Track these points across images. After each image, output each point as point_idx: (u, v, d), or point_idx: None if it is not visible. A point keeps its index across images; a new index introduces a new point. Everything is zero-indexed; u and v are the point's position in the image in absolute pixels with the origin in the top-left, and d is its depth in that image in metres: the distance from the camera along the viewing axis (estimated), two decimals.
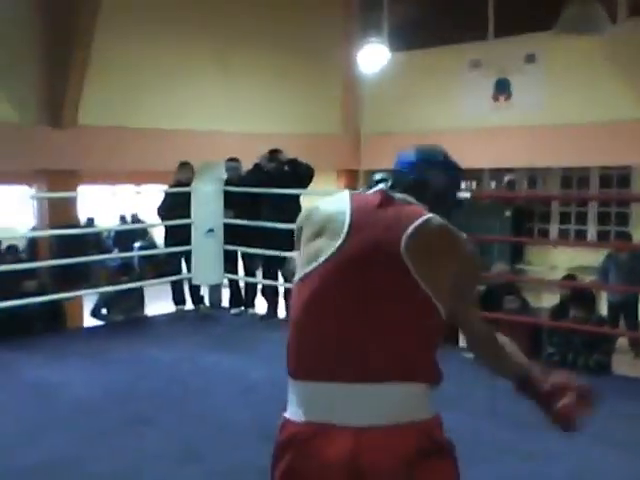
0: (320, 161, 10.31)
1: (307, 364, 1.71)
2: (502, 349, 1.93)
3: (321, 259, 1.75)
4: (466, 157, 10.97)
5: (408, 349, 1.64)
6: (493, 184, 12.70)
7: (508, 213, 10.94)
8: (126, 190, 12.73)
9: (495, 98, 10.07)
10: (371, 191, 1.89)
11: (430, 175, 1.94)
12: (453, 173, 2.00)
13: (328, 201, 1.86)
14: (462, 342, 6.19)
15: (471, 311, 1.89)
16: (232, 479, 3.52)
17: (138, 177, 10.73)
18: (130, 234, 12.70)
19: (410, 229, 1.70)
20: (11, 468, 3.56)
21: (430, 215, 1.77)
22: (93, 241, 11.03)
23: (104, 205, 14.01)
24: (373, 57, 9.71)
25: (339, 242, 1.73)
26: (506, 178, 12.70)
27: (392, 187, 1.89)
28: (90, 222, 13.06)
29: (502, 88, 10.02)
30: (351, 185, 11.35)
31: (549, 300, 8.34)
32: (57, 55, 7.77)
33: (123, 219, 13.91)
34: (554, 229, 10.93)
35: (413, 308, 1.66)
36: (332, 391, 1.63)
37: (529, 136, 9.57)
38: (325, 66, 10.67)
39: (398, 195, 1.86)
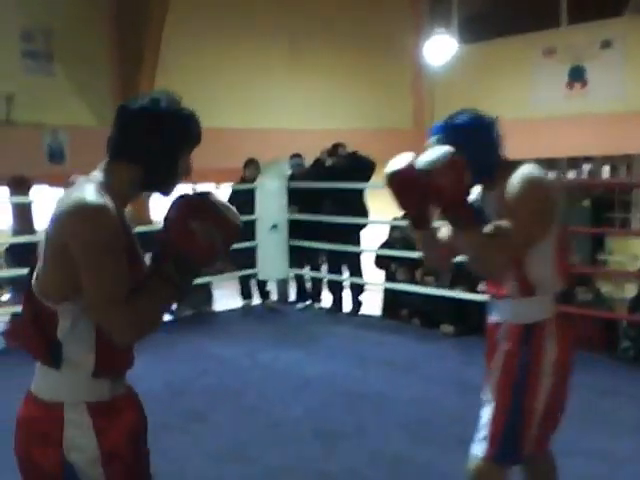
0: (391, 155, 9.99)
1: None
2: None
3: None
4: (541, 146, 10.43)
5: (34, 334, 1.63)
6: (571, 173, 12.09)
7: (587, 203, 10.34)
8: (204, 188, 12.71)
9: (570, 86, 9.49)
10: None
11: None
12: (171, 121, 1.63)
13: None
14: None
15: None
16: (279, 479, 3.31)
17: (212, 175, 10.67)
18: None
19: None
20: None
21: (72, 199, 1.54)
22: None
23: None
24: (441, 49, 9.35)
25: None
26: (585, 167, 12.03)
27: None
28: None
29: (577, 75, 9.44)
30: None
31: (632, 291, 7.77)
32: (129, 60, 7.78)
33: None
34: (636, 218, 10.23)
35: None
36: None
37: (607, 123, 8.96)
38: (395, 61, 10.36)
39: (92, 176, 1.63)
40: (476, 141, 2.08)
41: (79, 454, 1.58)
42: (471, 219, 2.01)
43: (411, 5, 10.70)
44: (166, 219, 1.59)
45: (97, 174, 1.61)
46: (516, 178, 2.06)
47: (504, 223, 2.04)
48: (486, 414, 2.18)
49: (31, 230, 7.43)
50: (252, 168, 6.82)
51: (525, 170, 2.08)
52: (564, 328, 2.19)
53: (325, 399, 4.30)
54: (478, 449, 2.17)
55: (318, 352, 5.29)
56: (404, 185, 2.04)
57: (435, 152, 1.98)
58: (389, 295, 6.44)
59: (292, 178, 6.74)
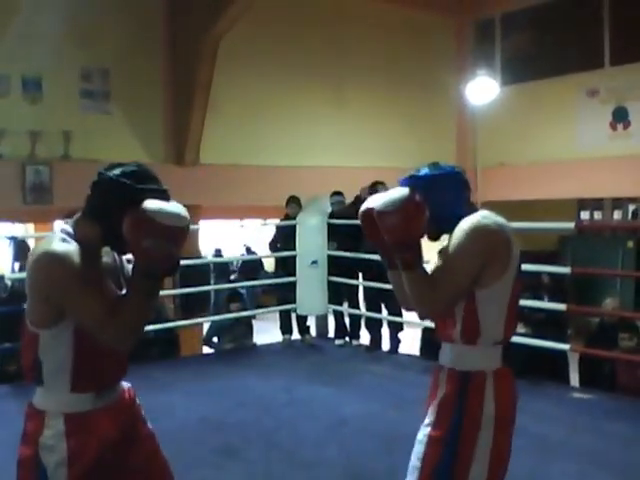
0: None
1: None
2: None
3: None
4: (585, 187, 10.08)
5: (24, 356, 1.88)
6: (616, 214, 11.75)
7: (631, 244, 10.02)
8: (251, 224, 12.73)
9: (613, 127, 9.26)
10: None
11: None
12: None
13: None
14: (574, 381, 5.54)
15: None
16: None
17: (255, 211, 10.69)
18: (254, 265, 12.68)
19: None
20: None
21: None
22: (218, 271, 11.10)
23: (228, 238, 14.12)
24: (482, 90, 9.25)
25: None
26: (630, 208, 11.67)
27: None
28: (218, 253, 13.17)
29: (620, 117, 9.21)
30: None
31: None
32: (181, 101, 7.88)
33: (249, 250, 13.94)
34: None
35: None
36: None
37: None
38: (439, 101, 10.28)
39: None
40: (436, 194, 2.01)
41: (50, 455, 1.79)
42: (413, 262, 1.96)
43: (456, 47, 10.64)
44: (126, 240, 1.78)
45: (66, 227, 1.86)
46: (461, 225, 2.00)
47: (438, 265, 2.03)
48: (415, 458, 2.03)
49: None
50: (294, 205, 6.79)
51: (472, 218, 2.01)
52: (505, 383, 2.07)
53: (360, 440, 4.15)
54: None
55: (355, 390, 5.15)
56: (367, 224, 2.08)
57: (392, 193, 1.99)
58: (428, 334, 6.26)
59: (332, 215, 6.68)
